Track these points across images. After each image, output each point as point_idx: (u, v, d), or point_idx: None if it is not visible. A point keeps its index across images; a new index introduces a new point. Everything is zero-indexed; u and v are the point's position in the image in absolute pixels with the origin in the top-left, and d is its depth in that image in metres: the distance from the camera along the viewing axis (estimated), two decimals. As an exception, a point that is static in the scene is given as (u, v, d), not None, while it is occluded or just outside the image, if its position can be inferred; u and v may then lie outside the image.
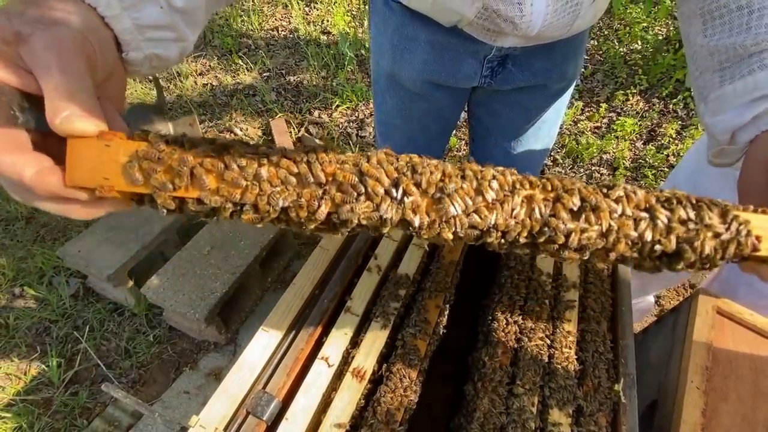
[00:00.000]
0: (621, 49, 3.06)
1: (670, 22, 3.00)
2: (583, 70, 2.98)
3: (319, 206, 0.35)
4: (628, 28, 3.18)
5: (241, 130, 2.45)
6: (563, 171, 2.27)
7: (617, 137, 2.40)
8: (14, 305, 1.60)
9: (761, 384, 0.80)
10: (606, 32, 3.20)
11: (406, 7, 0.82)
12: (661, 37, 2.90)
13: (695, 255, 0.36)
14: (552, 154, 2.35)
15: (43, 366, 1.44)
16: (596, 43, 3.16)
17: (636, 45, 3.06)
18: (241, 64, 2.89)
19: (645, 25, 3.08)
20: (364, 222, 0.36)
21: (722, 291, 1.08)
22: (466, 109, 1.09)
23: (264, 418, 0.63)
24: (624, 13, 3.23)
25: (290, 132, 2.41)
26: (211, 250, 1.51)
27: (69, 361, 1.47)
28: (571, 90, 1.01)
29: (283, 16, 3.34)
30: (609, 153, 2.34)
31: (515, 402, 0.66)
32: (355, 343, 0.73)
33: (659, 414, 0.79)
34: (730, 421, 0.74)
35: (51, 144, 0.34)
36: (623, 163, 2.27)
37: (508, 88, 0.91)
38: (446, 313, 0.80)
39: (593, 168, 2.28)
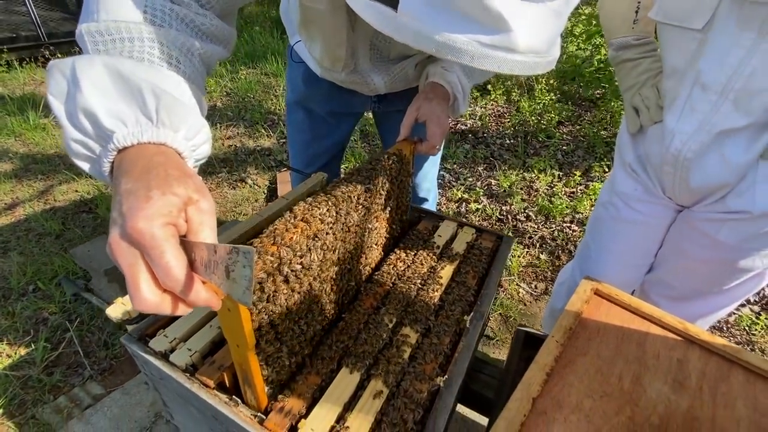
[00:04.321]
0: (602, 132, 3.38)
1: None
2: (564, 147, 3.28)
3: None
4: (610, 117, 3.54)
5: (252, 180, 2.83)
6: (536, 226, 2.42)
7: (590, 199, 2.56)
8: (24, 298, 1.83)
9: (624, 348, 0.87)
10: (589, 119, 3.57)
11: None
12: (635, 122, 3.19)
13: None
14: (526, 211, 2.52)
15: (32, 348, 1.61)
16: (579, 128, 3.51)
17: (617, 129, 3.36)
18: (263, 132, 3.41)
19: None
20: None
21: (642, 292, 1.18)
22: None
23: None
24: (608, 105, 3.63)
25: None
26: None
27: (54, 347, 1.63)
28: None
29: (307, 99, 3.98)
30: (581, 213, 2.49)
31: (375, 318, 0.79)
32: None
33: (531, 365, 0.86)
34: (584, 370, 0.81)
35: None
36: (593, 222, 2.40)
37: (393, 110, 1.29)
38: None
39: (564, 224, 2.41)
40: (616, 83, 3.31)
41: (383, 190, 0.87)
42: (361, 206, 0.79)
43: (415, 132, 1.01)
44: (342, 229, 0.74)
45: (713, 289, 1.00)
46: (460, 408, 1.46)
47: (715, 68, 0.79)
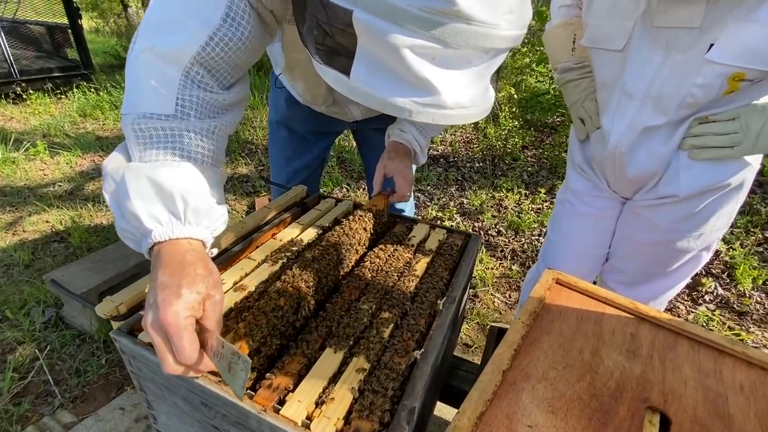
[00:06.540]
0: (563, 155, 3.61)
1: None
2: (529, 168, 3.48)
3: None
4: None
5: (230, 206, 2.85)
6: (507, 240, 2.54)
7: (554, 214, 2.72)
8: (-10, 329, 1.76)
9: (583, 327, 0.95)
10: (551, 143, 3.82)
11: None
12: (591, 143, 3.45)
13: None
14: (497, 226, 2.65)
15: (-2, 379, 1.54)
16: (542, 151, 3.74)
17: (576, 152, 3.60)
18: (241, 159, 3.47)
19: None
20: None
21: (600, 281, 1.29)
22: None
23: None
24: (567, 130, 3.90)
25: (271, 208, 2.80)
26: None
27: (23, 376, 1.56)
28: None
29: (283, 129, 4.09)
30: (547, 226, 2.63)
31: (355, 305, 0.85)
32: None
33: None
34: (548, 346, 0.88)
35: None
36: (559, 234, 2.54)
37: (370, 128, 1.42)
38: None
39: (533, 237, 2.55)
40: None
41: (360, 243, 1.02)
42: (342, 258, 0.94)
43: (386, 185, 1.15)
44: (325, 279, 0.88)
45: (658, 272, 1.12)
46: (443, 411, 1.49)
47: (635, 80, 0.94)
